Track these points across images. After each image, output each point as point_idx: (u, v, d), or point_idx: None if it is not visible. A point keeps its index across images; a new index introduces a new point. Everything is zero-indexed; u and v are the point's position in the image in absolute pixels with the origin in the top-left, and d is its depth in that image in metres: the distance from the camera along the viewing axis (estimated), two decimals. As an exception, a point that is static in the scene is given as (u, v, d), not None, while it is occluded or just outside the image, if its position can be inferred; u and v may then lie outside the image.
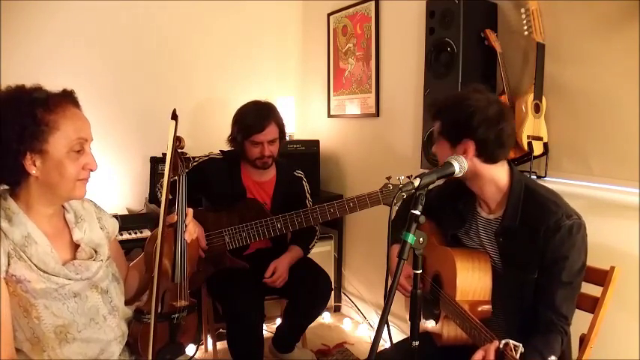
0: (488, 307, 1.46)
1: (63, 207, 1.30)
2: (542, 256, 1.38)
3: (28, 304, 1.16)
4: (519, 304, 1.44)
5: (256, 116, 2.23)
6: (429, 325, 1.59)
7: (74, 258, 1.27)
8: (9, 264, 1.13)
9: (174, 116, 1.38)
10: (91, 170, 1.24)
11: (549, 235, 1.36)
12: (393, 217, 1.29)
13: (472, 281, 1.46)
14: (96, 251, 1.32)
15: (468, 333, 1.36)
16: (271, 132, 2.22)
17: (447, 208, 1.63)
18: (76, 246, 1.29)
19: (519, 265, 1.43)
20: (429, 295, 1.62)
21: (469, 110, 1.40)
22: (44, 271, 1.18)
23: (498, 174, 1.47)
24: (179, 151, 1.49)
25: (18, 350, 1.17)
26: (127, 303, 1.43)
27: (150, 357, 1.29)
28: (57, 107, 1.18)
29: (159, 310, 1.41)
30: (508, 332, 1.45)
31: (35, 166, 1.16)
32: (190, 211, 1.46)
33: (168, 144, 1.37)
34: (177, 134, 1.47)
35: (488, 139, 1.40)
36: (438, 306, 1.55)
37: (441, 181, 1.45)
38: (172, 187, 1.44)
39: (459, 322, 1.41)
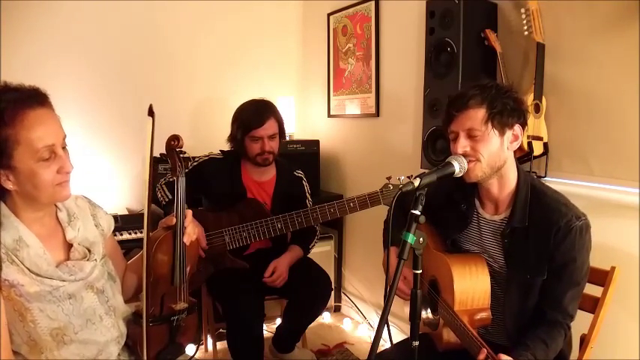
0: (487, 314, 1.44)
1: (55, 206, 1.27)
2: (550, 258, 1.37)
3: (22, 308, 1.14)
4: (522, 305, 1.42)
5: (255, 111, 2.24)
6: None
7: (68, 258, 1.25)
8: (1, 268, 1.11)
9: (151, 112, 1.23)
10: (68, 172, 1.18)
11: (560, 237, 1.35)
12: (386, 219, 1.28)
13: (470, 290, 1.43)
14: (90, 250, 1.30)
15: (465, 344, 1.35)
16: (271, 127, 2.23)
17: (446, 210, 1.59)
18: (69, 245, 1.27)
19: (526, 266, 1.40)
20: (427, 297, 1.61)
21: (514, 94, 1.41)
22: (37, 274, 1.16)
23: (512, 170, 1.45)
24: (177, 150, 1.46)
25: (16, 353, 1.16)
26: (127, 302, 1.41)
27: (146, 360, 1.27)
28: (14, 119, 1.10)
29: (158, 313, 1.41)
30: (509, 333, 1.45)
31: (10, 180, 1.14)
32: (190, 212, 1.44)
33: (146, 144, 1.24)
34: (176, 133, 1.45)
35: (527, 120, 1.43)
36: (436, 311, 1.53)
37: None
38: (172, 187, 1.41)
39: (457, 334, 1.40)
